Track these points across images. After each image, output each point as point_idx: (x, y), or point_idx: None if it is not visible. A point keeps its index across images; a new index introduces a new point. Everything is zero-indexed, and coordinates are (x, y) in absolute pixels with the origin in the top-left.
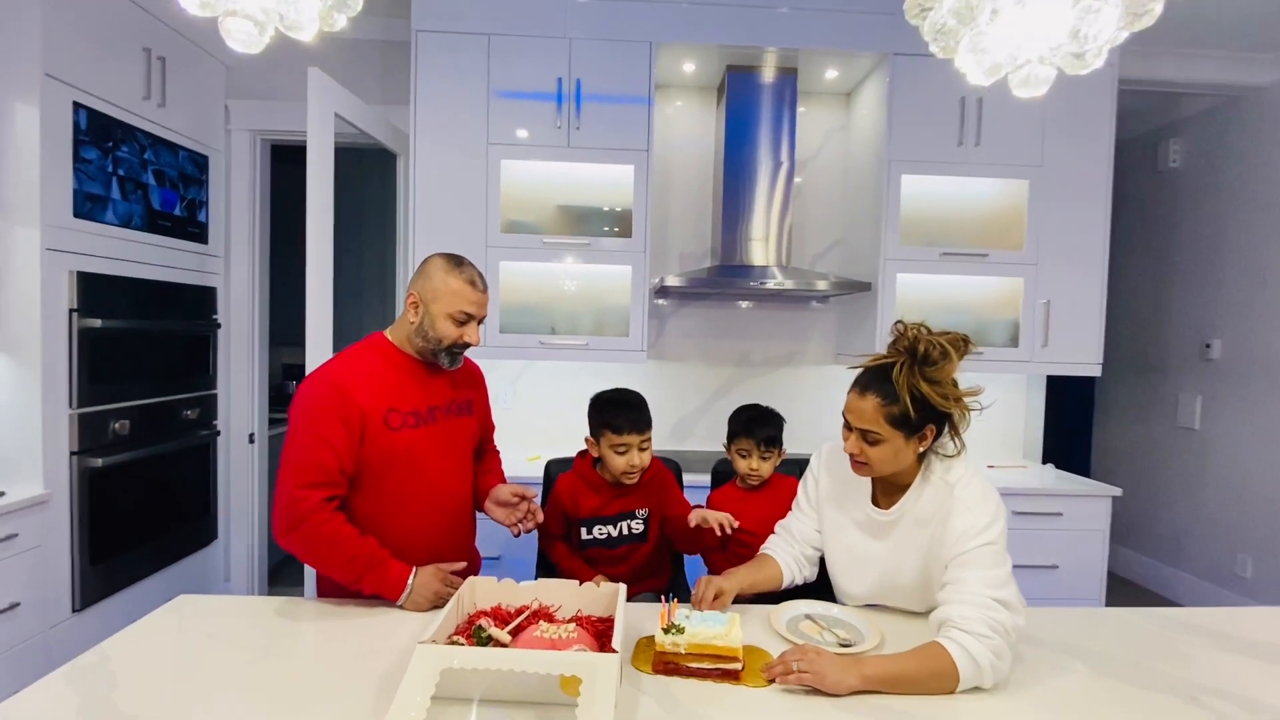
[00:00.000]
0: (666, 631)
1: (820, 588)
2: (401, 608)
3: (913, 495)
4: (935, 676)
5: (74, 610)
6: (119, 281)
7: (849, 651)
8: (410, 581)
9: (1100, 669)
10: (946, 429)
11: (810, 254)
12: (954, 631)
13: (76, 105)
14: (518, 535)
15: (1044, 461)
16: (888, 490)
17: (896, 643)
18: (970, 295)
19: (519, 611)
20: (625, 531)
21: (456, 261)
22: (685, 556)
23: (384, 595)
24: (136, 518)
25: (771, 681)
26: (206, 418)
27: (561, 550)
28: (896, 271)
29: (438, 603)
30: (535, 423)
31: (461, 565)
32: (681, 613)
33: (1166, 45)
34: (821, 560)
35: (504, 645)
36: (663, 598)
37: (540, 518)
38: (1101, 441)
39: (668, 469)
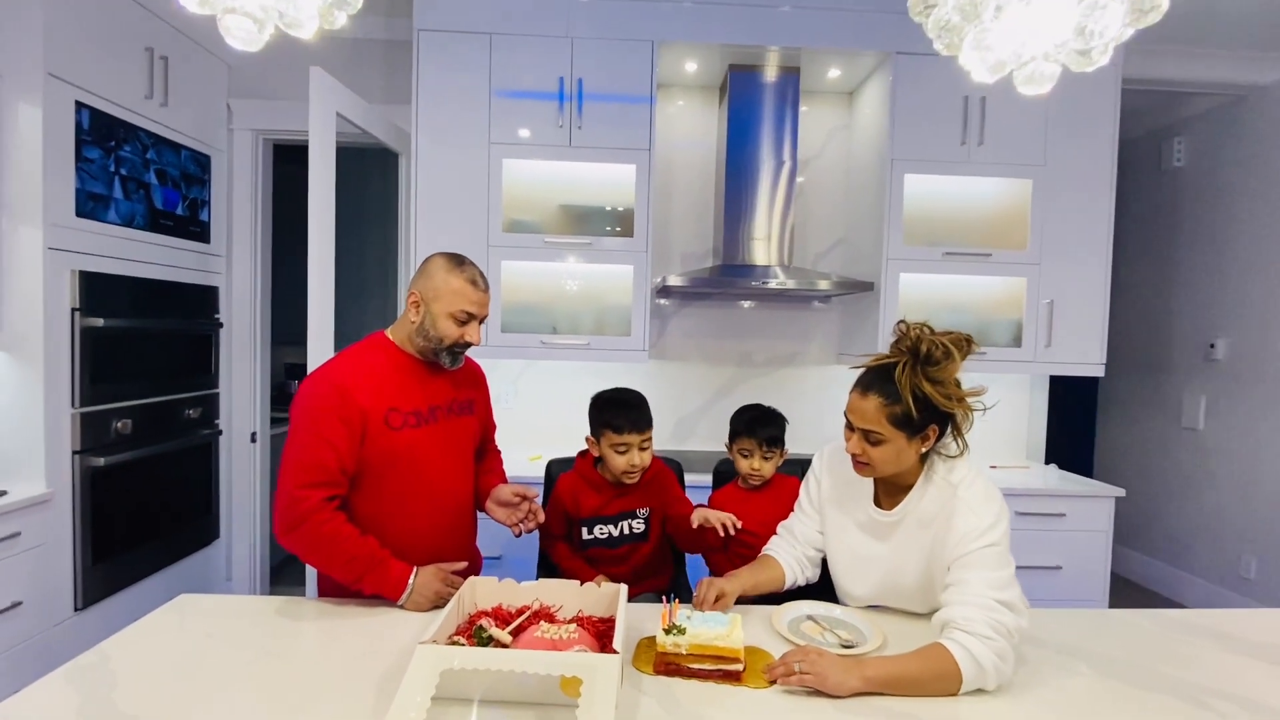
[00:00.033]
0: (668, 632)
1: (822, 588)
2: (402, 608)
3: (915, 496)
4: (938, 678)
5: (76, 609)
6: (121, 281)
7: (851, 653)
8: (411, 581)
9: (1104, 671)
10: (949, 429)
11: (812, 254)
12: (957, 633)
13: (79, 105)
14: (519, 535)
15: (1047, 462)
16: (890, 491)
17: (899, 644)
18: (973, 295)
19: (520, 612)
20: (626, 531)
21: (458, 261)
22: (686, 556)
23: (385, 595)
24: (138, 517)
25: (773, 683)
26: (208, 417)
27: (563, 550)
28: (899, 271)
29: (438, 603)
30: (536, 422)
31: (462, 565)
32: (683, 613)
33: (1170, 44)
34: (824, 561)
35: (505, 645)
36: (664, 598)
37: (541, 518)
38: (1105, 442)
39: (668, 468)
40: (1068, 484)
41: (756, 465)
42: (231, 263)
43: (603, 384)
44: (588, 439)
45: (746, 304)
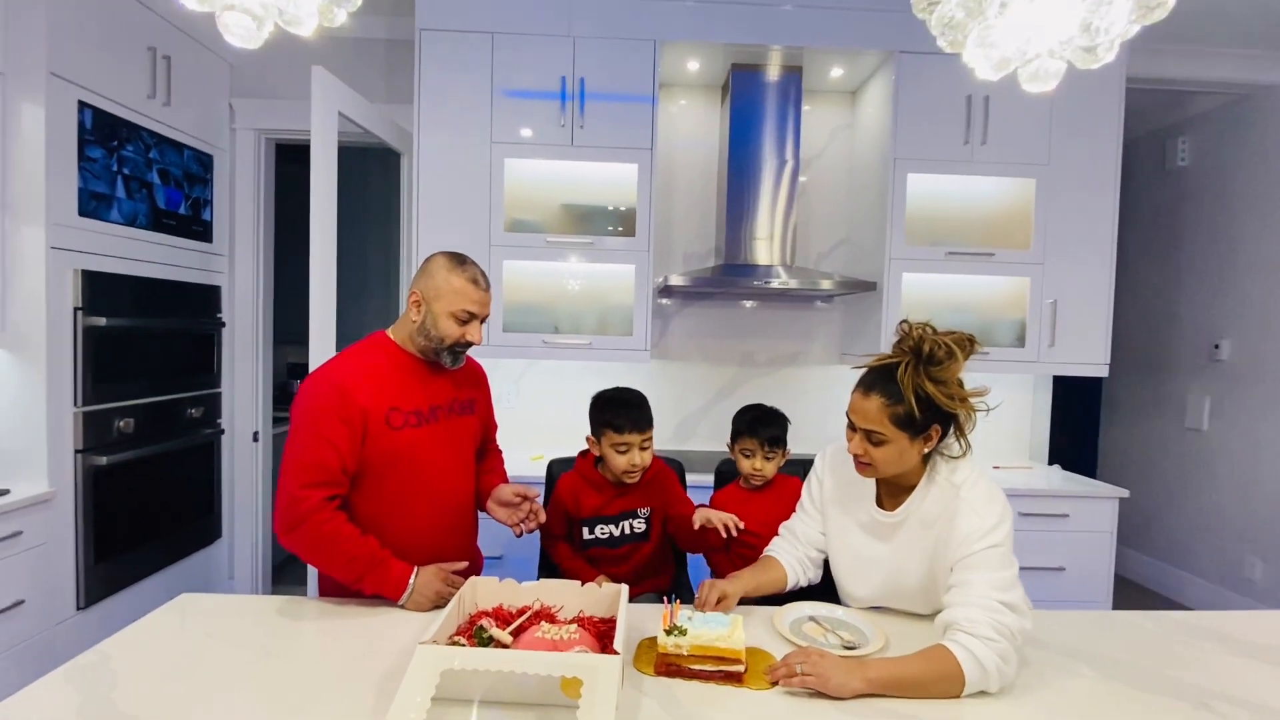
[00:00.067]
0: (669, 633)
1: (824, 589)
2: (403, 607)
3: (918, 497)
4: (940, 680)
5: (78, 608)
6: (124, 280)
7: (853, 654)
8: (412, 581)
9: (1107, 673)
10: (952, 430)
11: (815, 253)
12: (959, 635)
13: (82, 104)
14: (520, 535)
15: (1050, 462)
16: (892, 492)
17: (901, 645)
18: (976, 295)
19: (520, 612)
20: (627, 531)
21: (459, 260)
22: (688, 555)
23: (385, 595)
24: (141, 516)
25: (774, 684)
26: (211, 416)
27: (564, 550)
28: (902, 271)
29: (439, 603)
30: (538, 422)
31: (463, 565)
32: (684, 614)
33: (1174, 43)
34: (826, 562)
35: (505, 646)
36: (665, 599)
37: (542, 518)
38: (1108, 442)
39: (669, 468)
40: (1071, 485)
41: (758, 465)
42: (234, 262)
43: (604, 384)
44: (588, 438)
45: (749, 304)
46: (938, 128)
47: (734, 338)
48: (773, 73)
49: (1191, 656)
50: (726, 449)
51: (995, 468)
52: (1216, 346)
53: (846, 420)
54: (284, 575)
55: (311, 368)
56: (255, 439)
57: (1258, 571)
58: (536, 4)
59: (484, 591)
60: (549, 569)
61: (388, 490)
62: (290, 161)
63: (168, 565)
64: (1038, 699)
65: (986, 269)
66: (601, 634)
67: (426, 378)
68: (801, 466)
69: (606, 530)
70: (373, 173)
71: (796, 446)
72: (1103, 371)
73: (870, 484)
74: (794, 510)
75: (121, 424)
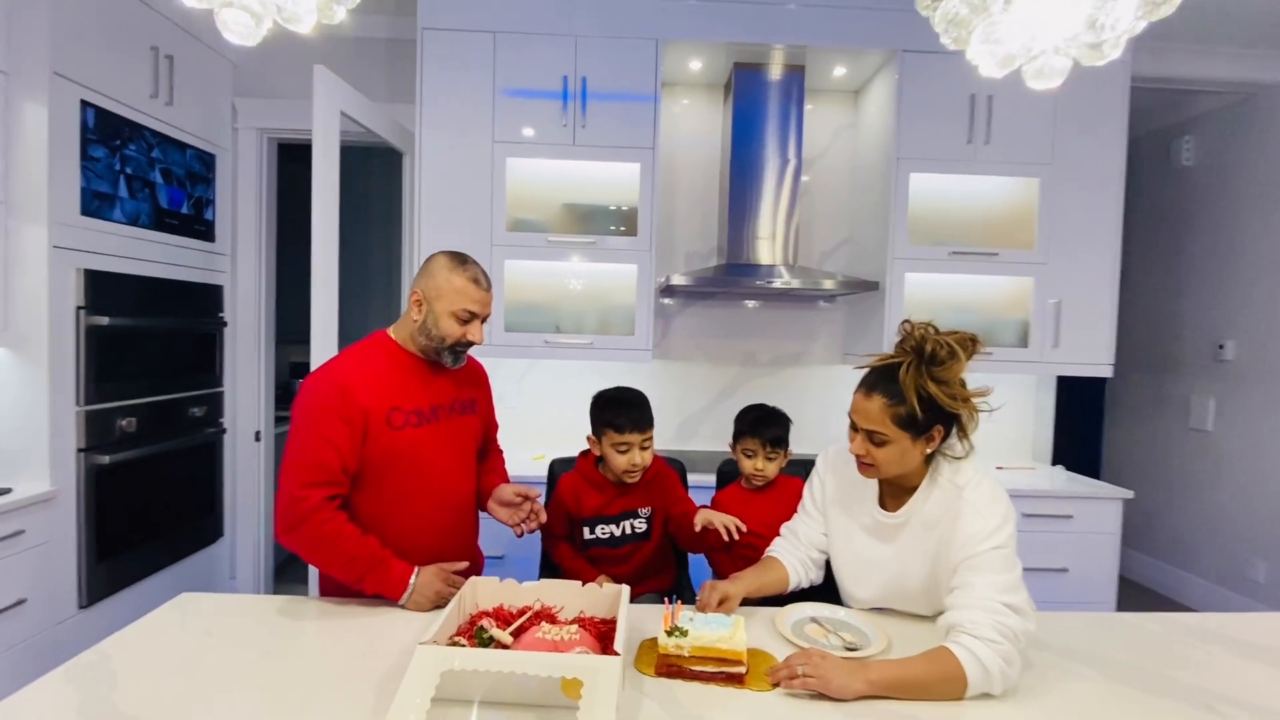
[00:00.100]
0: (670, 634)
1: (826, 590)
2: (403, 607)
3: (920, 498)
4: (943, 682)
5: (81, 607)
6: (126, 279)
7: (855, 656)
8: (412, 581)
9: (1112, 675)
10: (954, 430)
11: (817, 253)
12: (962, 636)
13: (84, 104)
14: (520, 535)
15: (1054, 463)
16: (895, 493)
17: (903, 647)
18: (979, 295)
19: (521, 612)
20: (628, 531)
21: (460, 259)
22: (689, 555)
23: (386, 595)
24: (143, 515)
25: (776, 685)
26: (213, 415)
27: (565, 550)
28: (905, 271)
29: (439, 603)
30: (540, 422)
31: (464, 565)
32: (685, 615)
33: (1179, 42)
34: (828, 563)
35: (505, 646)
36: (666, 599)
37: (543, 518)
38: (1112, 443)
39: (670, 468)
40: (1075, 485)
41: (760, 466)
42: (236, 261)
43: (606, 383)
44: (589, 438)
45: (751, 303)
46: (941, 127)
47: (736, 337)
48: (775, 72)
49: (1195, 658)
50: (728, 449)
51: (998, 468)
52: (1221, 347)
53: (848, 421)
54: (286, 575)
55: (313, 367)
56: (257, 438)
57: (1261, 573)
58: (538, 3)
59: (484, 592)
60: (550, 569)
61: (388, 490)
62: (292, 161)
63: (170, 565)
64: (1040, 701)
65: (989, 269)
66: (602, 635)
67: (428, 377)
68: (803, 467)
69: (607, 530)
70: (375, 172)
71: (798, 447)
72: (1107, 372)
73: (872, 485)
74: (795, 511)
75: (124, 423)
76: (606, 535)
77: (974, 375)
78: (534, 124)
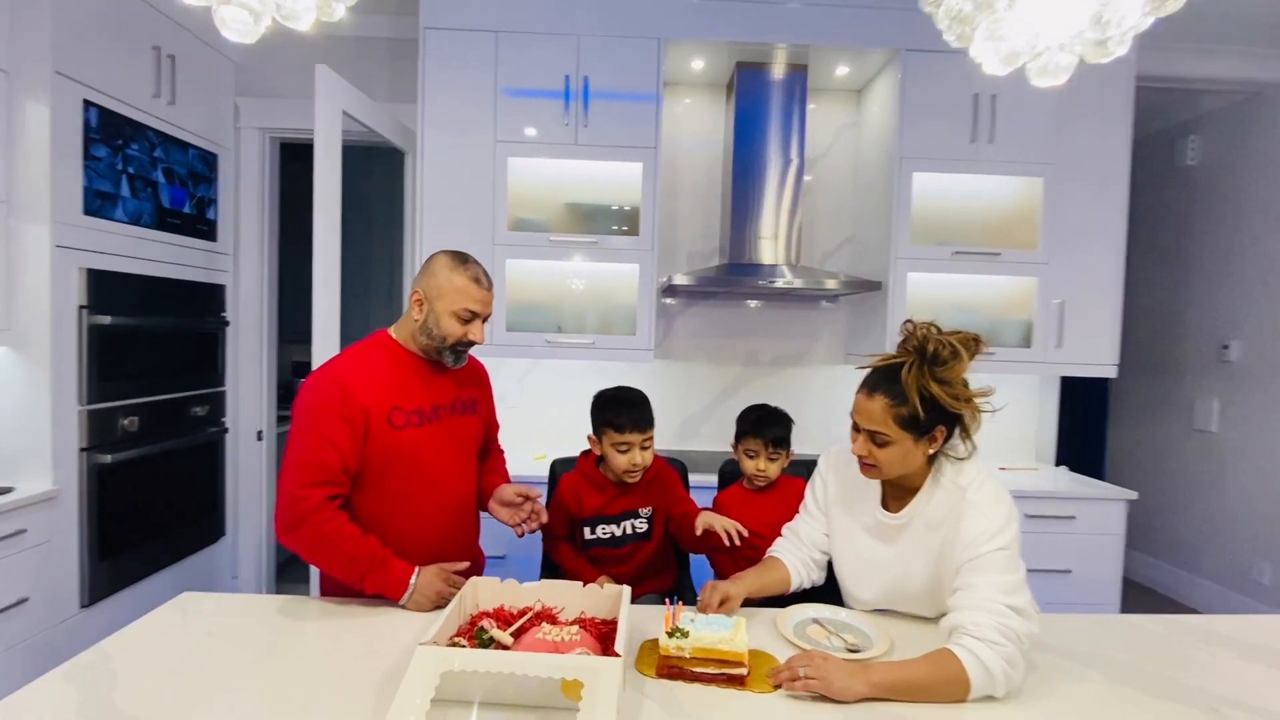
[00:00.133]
0: (671, 635)
1: (828, 591)
2: (404, 608)
3: (923, 498)
4: (946, 684)
5: (82, 606)
6: (128, 279)
7: (857, 657)
8: (413, 581)
9: (1115, 677)
10: (957, 431)
11: (820, 252)
12: (965, 638)
13: (87, 103)
14: (521, 535)
15: (1057, 464)
16: (897, 493)
17: (906, 649)
18: (982, 295)
19: (522, 613)
20: (629, 531)
21: (461, 259)
22: (690, 556)
23: (386, 595)
24: (145, 514)
25: (777, 687)
26: (215, 415)
27: (565, 551)
28: (907, 270)
29: (440, 603)
30: (541, 422)
31: (464, 565)
32: (686, 616)
33: (1184, 41)
34: (830, 564)
35: (506, 647)
36: (667, 600)
37: (544, 518)
38: (1116, 444)
39: (670, 467)
40: (1078, 486)
41: (762, 466)
42: (238, 261)
43: (608, 383)
44: (590, 438)
45: (753, 303)
46: (944, 126)
47: (738, 337)
48: (778, 71)
49: (1199, 661)
50: (730, 449)
51: (1001, 469)
52: (1226, 347)
53: (851, 421)
54: (288, 574)
55: (315, 366)
56: (259, 438)
57: (1266, 575)
58: (540, 2)
59: (485, 592)
60: (551, 569)
61: (389, 490)
62: (294, 160)
63: (171, 564)
64: (1044, 704)
65: (993, 269)
66: (603, 635)
67: (429, 377)
68: (805, 467)
69: (608, 530)
70: (376, 171)
71: (800, 447)
72: (1111, 372)
73: (875, 486)
74: (797, 511)
75: (126, 422)
76: (607, 535)
77: (977, 375)
78: (536, 123)
